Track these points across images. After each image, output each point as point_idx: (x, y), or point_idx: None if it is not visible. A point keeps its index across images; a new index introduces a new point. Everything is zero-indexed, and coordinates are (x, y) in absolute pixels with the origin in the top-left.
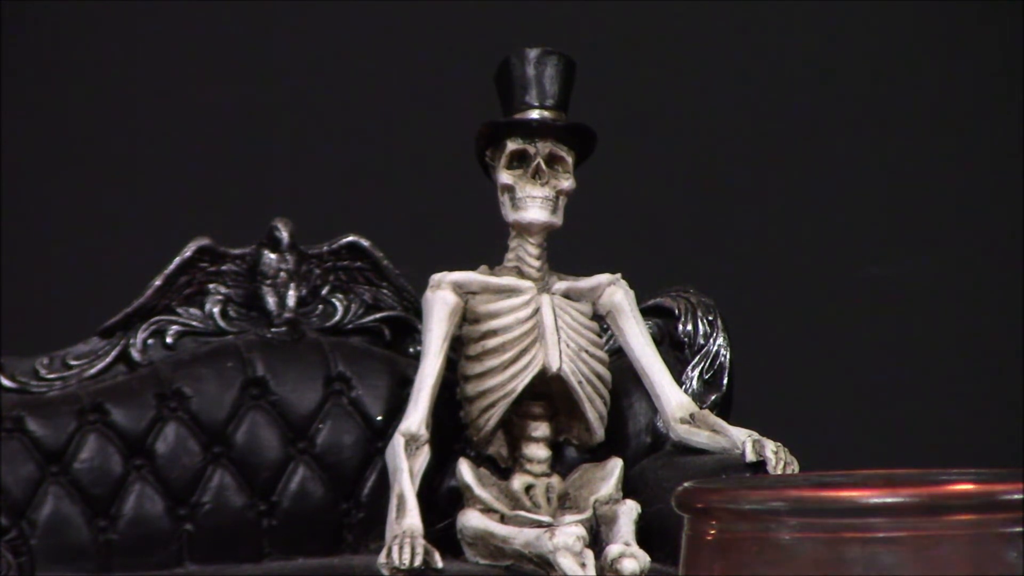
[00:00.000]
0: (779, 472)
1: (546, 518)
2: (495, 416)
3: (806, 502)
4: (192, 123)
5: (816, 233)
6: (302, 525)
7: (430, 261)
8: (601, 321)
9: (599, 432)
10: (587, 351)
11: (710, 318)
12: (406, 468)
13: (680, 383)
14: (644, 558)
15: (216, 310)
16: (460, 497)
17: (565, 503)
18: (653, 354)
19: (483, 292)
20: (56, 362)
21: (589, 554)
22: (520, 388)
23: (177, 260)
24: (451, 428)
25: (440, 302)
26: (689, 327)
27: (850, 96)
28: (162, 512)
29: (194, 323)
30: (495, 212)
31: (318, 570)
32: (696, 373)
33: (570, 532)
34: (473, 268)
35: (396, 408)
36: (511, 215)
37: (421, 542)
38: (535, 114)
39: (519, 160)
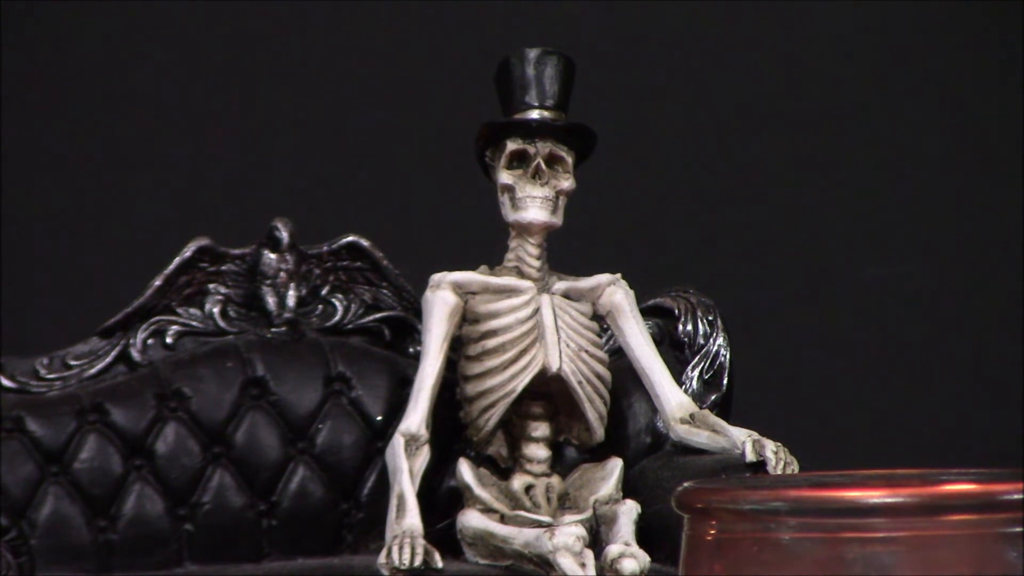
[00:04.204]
0: (779, 472)
1: (546, 518)
2: (495, 416)
3: (806, 502)
4: (192, 123)
5: (816, 233)
6: (302, 525)
7: (430, 261)
8: (601, 321)
9: (599, 432)
10: (587, 351)
11: (710, 318)
12: (406, 468)
13: (680, 383)
14: (644, 558)
15: (216, 310)
16: (460, 497)
17: (565, 503)
18: (653, 354)
19: (483, 292)
20: (56, 362)
21: (589, 554)
22: (520, 388)
23: (177, 260)
24: (451, 428)
25: (440, 302)
26: (689, 327)
27: (850, 96)
28: (162, 512)
29: (194, 323)
30: (495, 212)
31: (318, 570)
32: (696, 373)
33: (570, 532)
34: (473, 268)
35: (396, 408)
36: (511, 215)
37: (421, 542)
38: (535, 114)
39: (519, 160)
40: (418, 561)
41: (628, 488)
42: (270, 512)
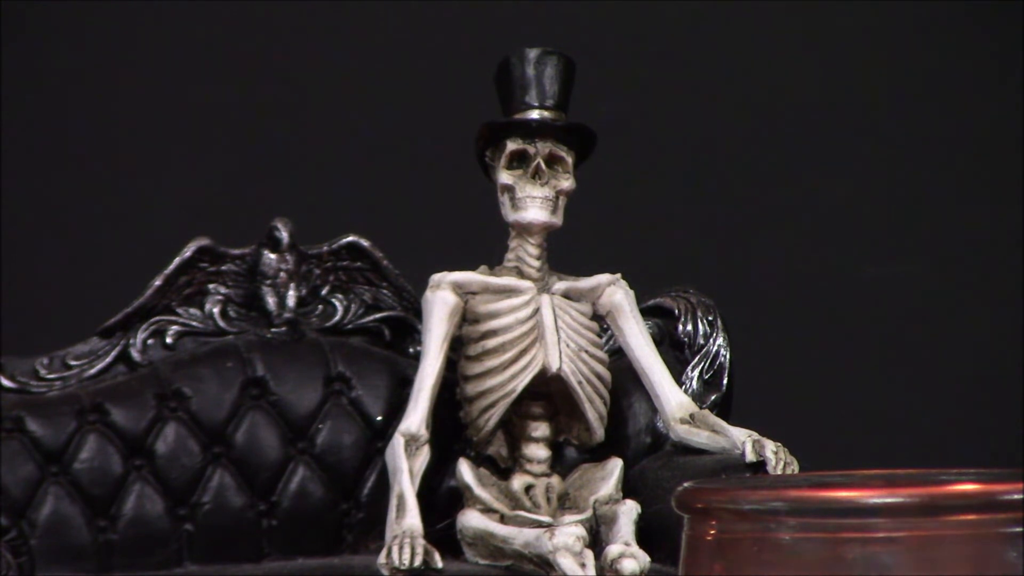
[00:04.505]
0: (779, 472)
1: (546, 518)
2: (495, 416)
3: (806, 502)
4: (192, 123)
5: (816, 233)
6: (302, 525)
7: (430, 261)
8: (601, 321)
9: (599, 432)
10: (587, 351)
11: (710, 318)
12: (406, 468)
13: (680, 383)
14: (644, 558)
15: (216, 310)
16: (460, 497)
17: (565, 503)
18: (653, 354)
19: (483, 292)
20: (56, 362)
21: (589, 554)
22: (520, 388)
23: (177, 260)
24: (451, 428)
25: (440, 302)
26: (689, 327)
27: (850, 96)
28: (162, 512)
29: (194, 323)
30: (495, 212)
31: (318, 570)
32: (696, 373)
33: (570, 532)
34: (473, 268)
35: (396, 408)
36: (511, 215)
37: (421, 542)
38: (535, 114)
39: (519, 160)
40: (418, 561)
41: (628, 488)
42: (270, 512)
